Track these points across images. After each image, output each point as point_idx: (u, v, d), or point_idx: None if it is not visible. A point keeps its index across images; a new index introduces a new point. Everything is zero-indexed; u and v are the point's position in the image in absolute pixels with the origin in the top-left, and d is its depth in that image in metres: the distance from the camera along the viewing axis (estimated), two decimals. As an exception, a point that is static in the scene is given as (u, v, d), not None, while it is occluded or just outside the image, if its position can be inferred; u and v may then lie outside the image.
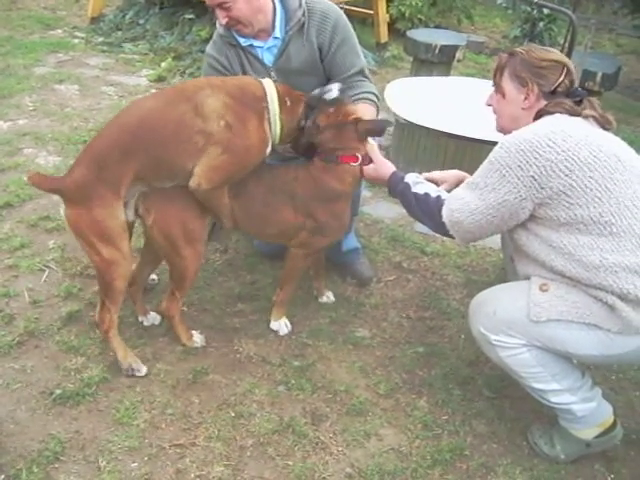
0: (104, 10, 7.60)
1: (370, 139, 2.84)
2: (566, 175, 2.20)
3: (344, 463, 2.46)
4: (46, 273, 3.32)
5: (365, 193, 4.03)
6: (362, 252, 3.54)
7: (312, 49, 3.00)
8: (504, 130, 2.54)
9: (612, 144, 2.30)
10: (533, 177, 2.22)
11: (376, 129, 2.84)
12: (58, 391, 2.63)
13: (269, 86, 2.72)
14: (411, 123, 4.31)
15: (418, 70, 5.57)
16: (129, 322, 3.03)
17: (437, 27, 7.67)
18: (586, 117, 2.34)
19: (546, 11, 7.06)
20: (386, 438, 2.58)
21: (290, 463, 2.43)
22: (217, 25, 3.07)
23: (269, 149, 2.76)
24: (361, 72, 3.10)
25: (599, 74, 5.26)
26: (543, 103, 2.41)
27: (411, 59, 5.82)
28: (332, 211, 2.86)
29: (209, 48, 3.12)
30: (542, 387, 2.42)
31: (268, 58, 3.04)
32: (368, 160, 2.80)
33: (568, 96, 2.41)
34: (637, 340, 2.25)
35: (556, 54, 2.49)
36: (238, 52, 3.04)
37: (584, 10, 7.34)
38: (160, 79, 6.08)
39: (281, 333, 3.04)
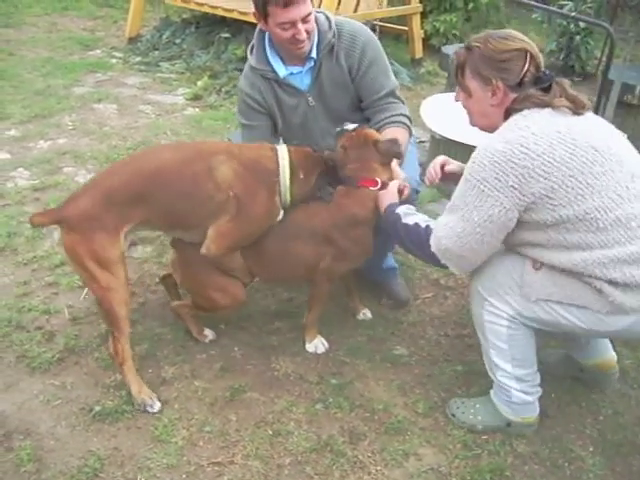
0: (141, 30, 7.74)
1: (399, 170, 2.83)
2: (545, 179, 2.15)
3: (382, 483, 2.43)
4: (85, 290, 3.34)
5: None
6: (398, 272, 3.51)
7: (342, 71, 2.98)
8: (477, 126, 2.51)
9: (586, 134, 2.21)
10: (513, 187, 2.17)
11: (393, 149, 2.79)
12: (97, 408, 2.65)
13: (283, 157, 2.75)
14: (447, 139, 4.30)
15: (453, 86, 5.52)
16: (167, 339, 3.05)
17: (472, 42, 7.63)
18: (557, 108, 2.25)
19: (582, 24, 6.99)
20: (425, 458, 2.54)
21: (328, 482, 2.42)
22: (248, 56, 3.06)
23: (280, 217, 2.81)
24: (391, 94, 3.05)
25: (638, 87, 5.19)
26: (512, 96, 2.32)
27: (446, 75, 5.81)
28: (353, 237, 2.83)
29: (241, 83, 3.11)
30: (497, 362, 2.51)
31: (305, 82, 3.02)
32: (385, 187, 2.78)
33: (536, 83, 2.31)
34: (628, 318, 2.25)
35: (516, 41, 2.33)
36: (271, 84, 3.03)
37: (622, 22, 7.23)
38: (196, 97, 6.15)
39: (318, 352, 3.03)
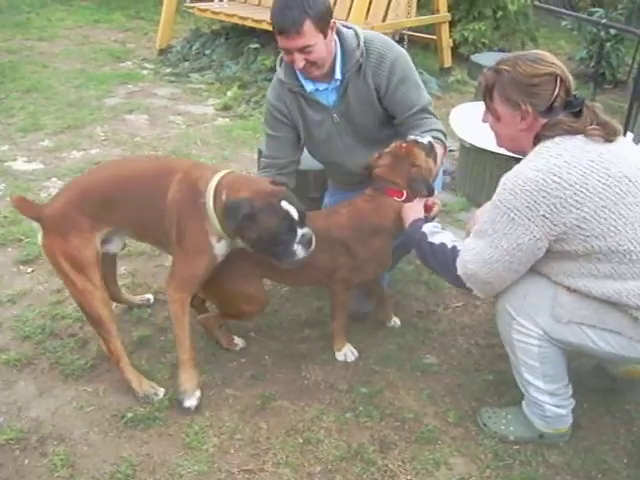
0: (171, 42, 7.83)
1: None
2: (577, 209, 2.12)
3: (413, 492, 2.42)
4: (117, 298, 3.39)
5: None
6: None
7: (369, 90, 2.95)
8: (505, 148, 2.48)
9: (619, 162, 2.17)
10: (544, 216, 2.15)
11: (421, 190, 2.73)
12: (129, 414, 2.67)
13: (213, 179, 2.58)
14: (476, 148, 4.29)
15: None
16: (197, 347, 3.05)
17: (501, 51, 7.61)
18: (589, 135, 2.20)
19: (613, 31, 6.93)
20: (456, 467, 2.52)
21: (359, 491, 2.41)
22: (277, 68, 3.06)
23: (220, 247, 2.66)
24: (424, 109, 2.99)
25: (670, 94, 5.12)
26: (542, 121, 2.27)
27: (475, 83, 5.79)
28: (371, 247, 2.82)
29: (269, 93, 3.13)
30: (529, 379, 2.48)
31: (331, 99, 3.01)
32: (410, 199, 2.76)
33: (566, 108, 2.26)
34: None
35: (545, 64, 2.27)
36: (298, 98, 3.03)
37: (653, 29, 7.17)
38: (226, 107, 6.21)
39: (348, 360, 3.03)
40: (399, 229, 2.79)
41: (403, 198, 2.77)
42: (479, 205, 2.49)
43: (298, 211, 2.50)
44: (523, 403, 2.60)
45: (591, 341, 2.31)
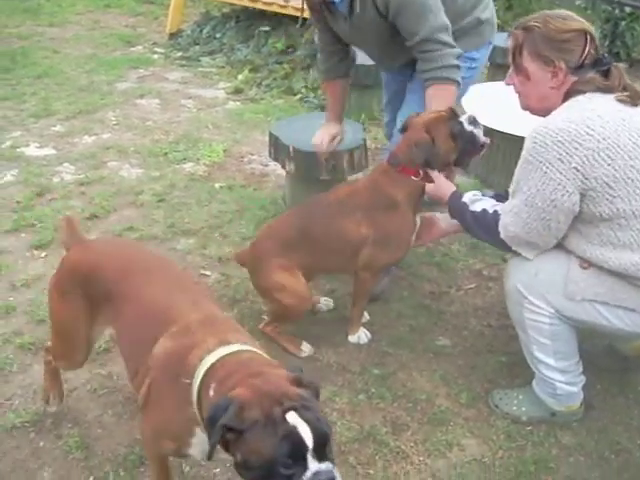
0: (182, 26, 7.80)
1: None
2: (609, 165, 2.11)
3: (425, 473, 2.42)
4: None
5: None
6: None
7: (373, 10, 2.91)
8: (532, 110, 2.43)
9: None
10: (576, 169, 2.12)
11: (421, 156, 2.71)
12: (143, 397, 2.68)
13: (209, 357, 1.78)
14: (490, 129, 4.25)
15: (495, 75, 5.49)
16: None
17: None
18: (620, 100, 2.19)
19: (628, 9, 6.83)
20: (468, 448, 2.53)
21: (371, 472, 2.42)
22: None
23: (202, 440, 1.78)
24: (428, 39, 2.87)
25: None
26: (572, 79, 2.25)
27: (487, 64, 5.74)
28: (390, 221, 2.81)
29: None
30: (540, 357, 2.47)
31: (344, 9, 3.00)
32: (429, 179, 2.74)
33: (595, 66, 2.24)
34: None
35: (575, 21, 2.27)
36: (322, 7, 3.10)
37: (669, 7, 7.06)
38: (237, 91, 6.19)
39: (361, 342, 3.03)
40: (416, 206, 2.82)
41: (419, 178, 2.75)
42: (492, 187, 2.47)
43: (316, 432, 1.53)
44: (534, 382, 2.60)
45: (604, 318, 2.30)
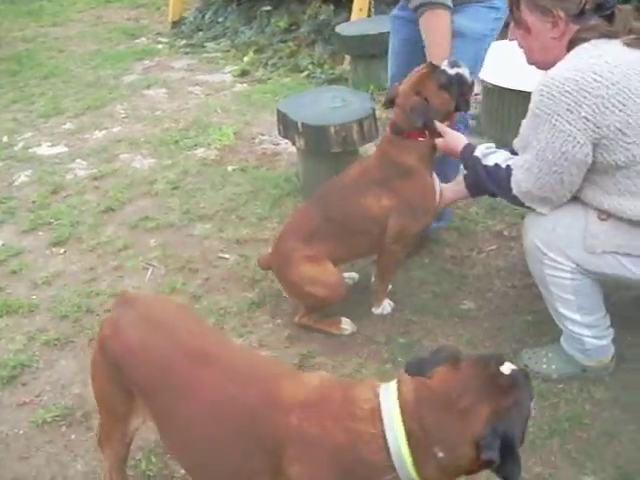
0: (184, 13, 7.78)
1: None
2: (620, 110, 2.03)
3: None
4: (149, 271, 3.41)
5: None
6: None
7: None
8: (537, 63, 2.35)
9: None
10: (586, 118, 2.05)
11: (419, 119, 2.63)
12: (170, 383, 2.68)
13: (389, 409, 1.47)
14: (500, 88, 4.17)
15: (503, 34, 5.37)
16: (232, 312, 3.06)
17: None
18: (628, 44, 2.09)
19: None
20: (501, 410, 2.49)
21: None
22: None
23: None
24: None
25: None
26: (574, 27, 2.16)
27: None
28: (411, 187, 2.75)
29: None
30: (565, 313, 2.42)
31: None
32: (437, 134, 2.68)
33: (597, 11, 2.14)
34: None
35: None
36: None
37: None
38: (244, 73, 6.15)
39: (385, 312, 2.99)
40: (430, 166, 2.77)
41: (426, 138, 2.70)
42: (506, 147, 2.41)
43: None
44: (562, 339, 2.55)
45: (627, 270, 2.24)
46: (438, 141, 2.68)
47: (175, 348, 1.77)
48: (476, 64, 3.00)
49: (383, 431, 1.42)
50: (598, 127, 2.06)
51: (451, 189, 2.82)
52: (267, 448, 1.50)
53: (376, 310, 3.00)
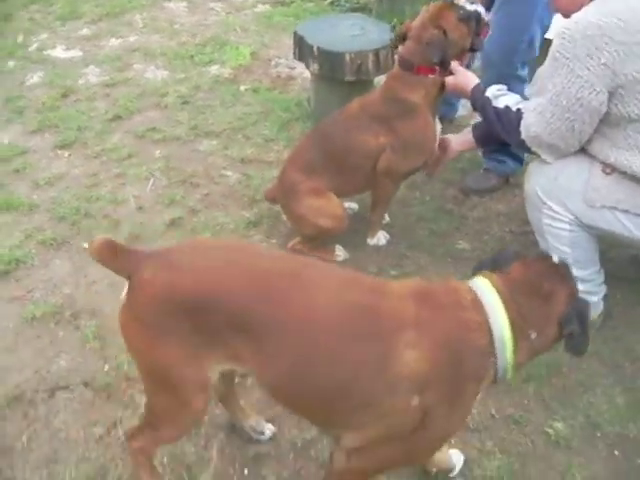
0: None
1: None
2: None
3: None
4: (151, 181, 3.41)
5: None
6: None
7: None
8: (562, 10, 2.30)
9: None
10: (605, 65, 2.01)
11: (436, 54, 2.57)
12: (159, 291, 2.70)
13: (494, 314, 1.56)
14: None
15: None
16: (229, 229, 3.07)
17: None
18: None
19: None
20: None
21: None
22: None
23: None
24: None
25: None
26: None
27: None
28: (411, 126, 2.70)
29: None
30: None
31: None
32: (448, 72, 2.63)
33: None
34: None
35: None
36: None
37: None
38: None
39: (380, 244, 2.99)
40: (434, 108, 2.72)
41: (436, 74, 2.65)
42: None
43: None
44: None
45: (624, 228, 2.22)
46: (448, 79, 2.63)
47: (261, 269, 1.62)
48: None
49: (487, 319, 1.53)
50: (616, 75, 2.02)
51: (458, 140, 2.79)
52: (385, 336, 1.52)
53: (371, 241, 3.00)
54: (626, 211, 2.20)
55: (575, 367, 2.44)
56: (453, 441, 2.10)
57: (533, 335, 1.56)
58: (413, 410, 1.50)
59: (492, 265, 1.67)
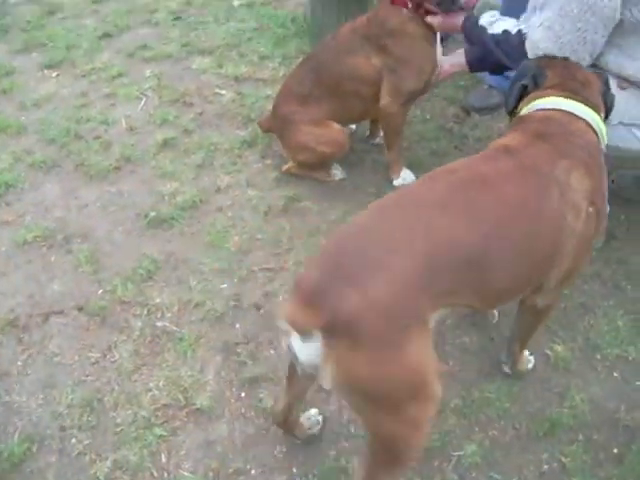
0: None
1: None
2: None
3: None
4: (143, 101, 3.30)
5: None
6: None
7: None
8: None
9: None
10: None
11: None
12: (152, 214, 2.65)
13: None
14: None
15: None
16: (223, 149, 2.99)
17: None
18: None
19: None
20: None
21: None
22: None
23: None
24: None
25: None
26: None
27: None
28: (401, 44, 2.56)
29: None
30: None
31: None
32: (423, 11, 2.48)
33: None
34: None
35: None
36: None
37: None
38: None
39: (406, 183, 2.81)
40: (417, 28, 2.56)
41: (408, 9, 2.51)
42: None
43: None
44: None
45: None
46: (434, 19, 2.49)
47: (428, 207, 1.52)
48: None
49: (589, 124, 1.78)
50: None
51: (451, 61, 2.65)
52: (548, 176, 1.64)
53: (396, 181, 2.85)
54: None
55: (577, 289, 2.39)
56: (451, 363, 2.09)
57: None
58: (592, 217, 1.69)
59: (533, 83, 1.86)
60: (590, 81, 1.86)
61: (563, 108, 1.78)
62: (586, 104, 1.80)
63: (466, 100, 3.27)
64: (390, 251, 1.41)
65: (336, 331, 1.33)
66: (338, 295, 1.34)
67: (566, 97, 1.80)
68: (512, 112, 1.93)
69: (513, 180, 1.61)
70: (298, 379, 1.70)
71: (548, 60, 1.96)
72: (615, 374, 2.13)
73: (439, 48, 2.66)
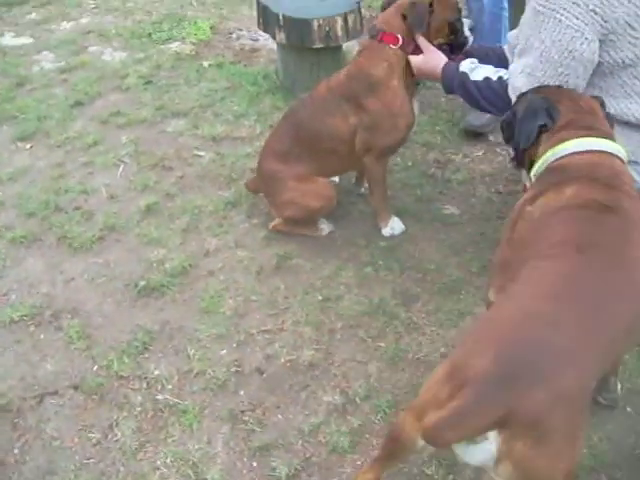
0: None
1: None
2: (630, 1, 1.90)
3: (439, 343, 2.35)
4: (121, 168, 3.26)
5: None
6: None
7: None
8: None
9: None
10: (594, 11, 1.91)
11: (417, 23, 2.47)
12: (142, 283, 2.60)
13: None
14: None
15: None
16: (207, 211, 2.95)
17: None
18: None
19: None
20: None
21: (382, 345, 2.34)
22: None
23: None
24: None
25: None
26: None
27: None
28: (378, 101, 2.55)
29: None
30: None
31: None
32: (413, 47, 2.50)
33: None
34: None
35: None
36: None
37: None
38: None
39: (396, 233, 2.82)
40: (405, 80, 2.57)
41: (398, 45, 2.51)
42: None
43: None
44: None
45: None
46: (416, 59, 2.50)
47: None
48: None
49: (618, 156, 1.77)
50: (606, 21, 1.93)
51: (423, 65, 2.55)
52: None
53: (384, 230, 2.83)
54: (634, 162, 2.08)
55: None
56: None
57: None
58: None
59: (551, 121, 1.83)
60: (594, 109, 1.87)
61: (595, 149, 1.76)
62: (606, 137, 1.80)
63: (465, 122, 3.32)
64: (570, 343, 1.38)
65: (519, 428, 1.28)
66: (521, 391, 1.29)
67: (591, 136, 1.78)
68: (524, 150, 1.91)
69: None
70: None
71: (548, 91, 1.93)
72: (628, 409, 2.12)
73: (416, 105, 2.68)
